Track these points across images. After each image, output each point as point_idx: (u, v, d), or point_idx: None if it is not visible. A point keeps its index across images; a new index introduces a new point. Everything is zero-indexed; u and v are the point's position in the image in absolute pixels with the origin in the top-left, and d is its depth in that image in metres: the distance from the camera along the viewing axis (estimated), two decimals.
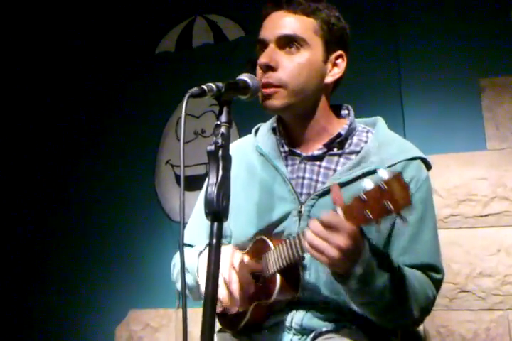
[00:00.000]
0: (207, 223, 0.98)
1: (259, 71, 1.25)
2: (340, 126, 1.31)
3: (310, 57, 1.24)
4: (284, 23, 1.24)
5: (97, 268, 2.84)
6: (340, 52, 1.29)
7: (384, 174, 0.94)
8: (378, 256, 1.08)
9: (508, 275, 2.15)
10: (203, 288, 1.10)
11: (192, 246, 1.44)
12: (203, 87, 0.98)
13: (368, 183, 0.97)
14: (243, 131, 2.53)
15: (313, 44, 1.24)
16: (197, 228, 1.43)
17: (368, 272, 1.05)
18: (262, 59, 1.23)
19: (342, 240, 1.00)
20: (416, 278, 1.18)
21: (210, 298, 0.92)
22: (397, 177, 0.93)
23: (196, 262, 1.26)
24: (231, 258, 1.19)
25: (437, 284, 1.25)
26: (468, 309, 2.19)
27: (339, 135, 1.29)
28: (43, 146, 3.12)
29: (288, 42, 1.23)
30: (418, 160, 1.28)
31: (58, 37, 3.16)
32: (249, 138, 1.44)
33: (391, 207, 0.93)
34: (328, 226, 1.01)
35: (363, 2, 2.55)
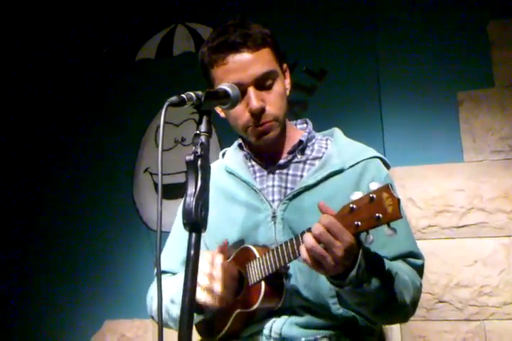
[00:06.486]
0: (185, 247, 0.92)
1: (246, 114, 1.27)
2: (300, 135, 1.39)
3: (281, 83, 1.31)
4: (252, 63, 1.25)
5: (72, 277, 2.79)
6: (284, 64, 1.37)
7: (374, 186, 0.97)
8: (372, 259, 1.10)
9: (484, 286, 2.17)
10: None
11: (170, 272, 1.41)
12: (183, 95, 0.95)
13: (357, 194, 0.99)
14: (224, 141, 2.52)
15: (277, 69, 1.31)
16: (175, 252, 1.40)
17: (361, 276, 1.06)
18: (257, 104, 1.25)
19: (341, 248, 1.00)
20: (404, 271, 1.21)
21: (188, 307, 0.90)
22: (387, 188, 0.95)
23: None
24: (212, 259, 1.21)
25: (420, 270, 1.29)
26: (446, 319, 2.20)
27: (300, 142, 1.37)
28: (20, 154, 3.06)
29: (264, 79, 1.27)
30: (377, 159, 1.36)
31: (36, 43, 3.12)
32: (218, 161, 1.50)
33: (381, 218, 0.95)
34: (329, 231, 1.00)
35: (343, 17, 2.57)
